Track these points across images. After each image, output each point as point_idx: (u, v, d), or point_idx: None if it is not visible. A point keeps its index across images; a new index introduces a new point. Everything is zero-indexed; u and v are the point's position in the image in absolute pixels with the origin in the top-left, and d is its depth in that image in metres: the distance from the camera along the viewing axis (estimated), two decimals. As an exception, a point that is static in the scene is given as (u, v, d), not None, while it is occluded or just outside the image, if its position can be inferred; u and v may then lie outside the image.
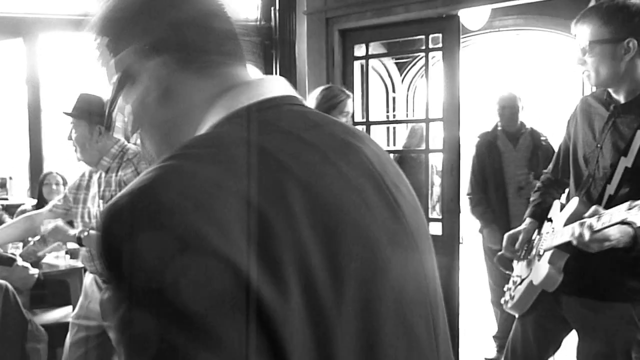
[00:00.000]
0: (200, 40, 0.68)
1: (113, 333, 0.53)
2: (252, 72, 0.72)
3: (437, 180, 3.70)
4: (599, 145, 1.71)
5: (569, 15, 3.80)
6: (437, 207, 3.63)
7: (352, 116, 2.98)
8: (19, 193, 4.30)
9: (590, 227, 1.47)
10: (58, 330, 2.76)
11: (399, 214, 0.64)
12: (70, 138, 2.29)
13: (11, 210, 3.54)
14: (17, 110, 4.16)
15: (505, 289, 2.05)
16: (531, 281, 1.84)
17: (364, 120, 3.48)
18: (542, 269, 1.78)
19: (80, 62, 4.37)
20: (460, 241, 5.09)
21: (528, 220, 2.01)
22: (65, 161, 3.71)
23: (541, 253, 1.84)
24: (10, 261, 2.55)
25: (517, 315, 1.97)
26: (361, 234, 0.57)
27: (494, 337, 3.60)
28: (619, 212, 1.39)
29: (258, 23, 4.40)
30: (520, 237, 1.96)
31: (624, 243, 1.48)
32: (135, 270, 0.47)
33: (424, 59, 3.40)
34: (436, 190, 3.73)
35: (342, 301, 0.52)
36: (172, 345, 0.46)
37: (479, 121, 3.36)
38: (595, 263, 1.61)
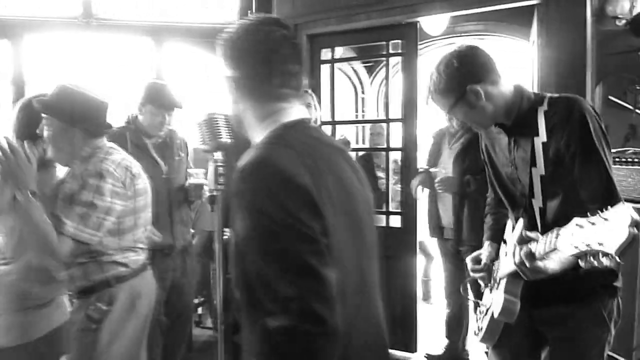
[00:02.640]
0: (261, 84, 1.19)
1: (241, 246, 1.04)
2: (290, 104, 1.20)
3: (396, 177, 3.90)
4: (513, 165, 1.76)
5: (522, 22, 4.05)
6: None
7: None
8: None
9: (530, 255, 1.46)
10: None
11: (364, 186, 1.26)
12: (40, 134, 2.04)
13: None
14: (2, 110, 4.29)
15: (476, 318, 1.99)
16: (493, 313, 1.77)
17: (331, 120, 3.71)
18: (499, 299, 1.71)
19: (64, 63, 4.55)
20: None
21: (487, 244, 1.97)
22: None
23: (498, 281, 1.77)
24: None
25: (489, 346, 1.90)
26: (351, 193, 1.18)
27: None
28: (550, 240, 1.38)
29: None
30: (483, 257, 1.91)
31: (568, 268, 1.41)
32: (261, 198, 0.99)
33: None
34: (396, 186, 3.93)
35: (343, 212, 1.10)
36: (289, 228, 0.97)
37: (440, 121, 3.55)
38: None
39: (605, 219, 1.18)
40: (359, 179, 1.24)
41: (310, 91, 3.11)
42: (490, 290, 1.86)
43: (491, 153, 1.89)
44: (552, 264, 1.43)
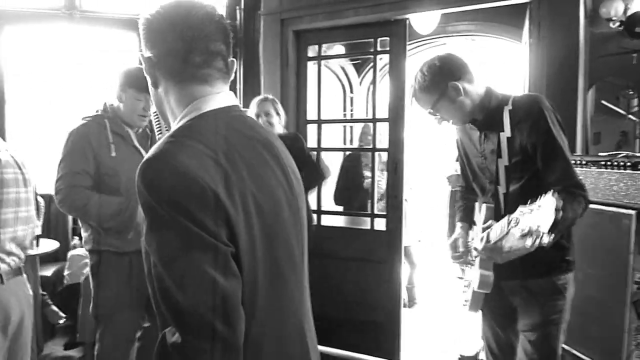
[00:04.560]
0: (179, 67, 1.08)
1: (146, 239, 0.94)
2: (215, 88, 1.10)
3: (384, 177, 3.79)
4: (482, 156, 2.01)
5: (514, 23, 3.97)
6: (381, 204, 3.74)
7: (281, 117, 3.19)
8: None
9: (486, 240, 1.75)
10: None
11: (291, 183, 1.15)
12: None
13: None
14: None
15: (463, 291, 2.20)
16: (473, 287, 2.02)
17: (316, 118, 3.60)
18: (476, 274, 1.97)
19: (46, 56, 4.43)
20: (419, 239, 5.23)
21: (459, 225, 2.21)
22: (27, 151, 3.76)
23: (474, 259, 2.04)
24: None
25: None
26: (271, 193, 1.07)
27: None
28: (502, 226, 1.66)
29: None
30: (460, 244, 2.14)
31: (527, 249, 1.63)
32: (159, 201, 0.90)
33: (379, 61, 3.52)
34: (382, 187, 3.82)
35: (259, 213, 1.00)
36: (187, 233, 0.88)
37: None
38: None
39: (539, 206, 1.48)
40: (285, 175, 1.14)
41: (271, 97, 3.01)
42: (471, 267, 2.11)
43: (465, 146, 2.13)
44: (507, 244, 1.69)
